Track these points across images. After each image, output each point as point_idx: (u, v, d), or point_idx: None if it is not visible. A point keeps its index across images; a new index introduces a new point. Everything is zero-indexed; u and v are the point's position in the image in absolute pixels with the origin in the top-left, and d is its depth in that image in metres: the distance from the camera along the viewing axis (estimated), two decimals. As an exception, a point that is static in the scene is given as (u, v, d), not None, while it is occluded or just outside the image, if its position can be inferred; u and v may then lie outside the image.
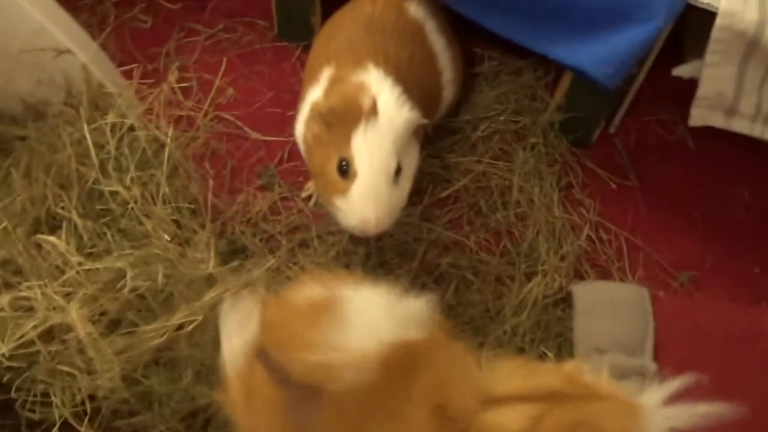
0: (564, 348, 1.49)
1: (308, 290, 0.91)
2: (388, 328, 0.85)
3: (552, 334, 1.50)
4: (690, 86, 1.55)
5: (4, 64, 1.50)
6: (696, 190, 1.84)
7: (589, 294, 1.49)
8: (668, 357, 1.45)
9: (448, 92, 1.65)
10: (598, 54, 1.50)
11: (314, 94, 1.39)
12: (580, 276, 1.63)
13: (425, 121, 1.38)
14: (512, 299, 1.51)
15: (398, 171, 1.31)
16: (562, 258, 1.61)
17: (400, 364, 0.83)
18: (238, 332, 0.93)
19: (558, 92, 1.79)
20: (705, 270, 1.71)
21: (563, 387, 0.89)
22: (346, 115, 1.27)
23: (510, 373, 0.91)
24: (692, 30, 1.85)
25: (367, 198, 1.26)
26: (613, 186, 1.82)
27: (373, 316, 0.85)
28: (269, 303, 0.94)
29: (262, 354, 0.88)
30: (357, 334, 0.82)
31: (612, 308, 1.46)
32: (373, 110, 1.27)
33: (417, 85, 1.43)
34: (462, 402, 0.84)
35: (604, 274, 1.65)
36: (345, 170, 1.27)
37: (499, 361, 0.94)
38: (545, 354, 1.47)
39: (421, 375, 0.84)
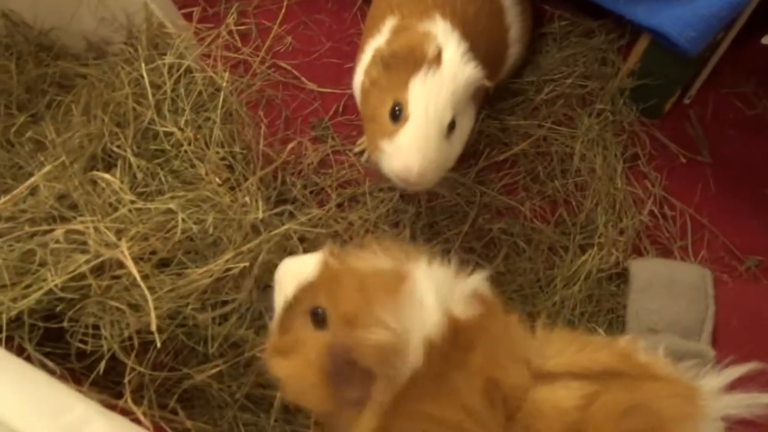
0: (615, 325, 1.44)
1: (375, 260, 0.89)
2: (452, 308, 0.83)
3: (603, 309, 1.45)
4: (779, 57, 1.43)
5: (69, 1, 1.51)
6: (772, 171, 1.72)
7: (646, 271, 1.42)
8: (726, 344, 1.37)
9: (514, 50, 1.57)
10: (682, 16, 1.39)
11: (376, 43, 1.34)
12: (638, 252, 1.56)
13: (488, 83, 1.32)
14: (564, 270, 1.46)
15: (452, 127, 1.25)
16: (621, 232, 1.54)
17: (457, 342, 0.81)
18: (292, 288, 0.94)
19: (632, 57, 1.68)
20: (775, 256, 1.61)
21: (618, 364, 0.85)
22: (409, 59, 1.22)
23: (563, 347, 0.87)
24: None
25: (414, 143, 1.21)
26: (683, 160, 1.71)
27: (439, 298, 0.82)
28: (331, 264, 0.92)
29: (319, 318, 0.88)
30: (424, 318, 0.80)
31: (670, 288, 1.39)
32: (437, 59, 1.22)
33: (483, 41, 1.37)
34: (514, 378, 0.82)
35: (665, 252, 1.57)
36: (397, 114, 1.22)
37: (552, 333, 0.91)
38: (595, 329, 1.42)
39: (477, 351, 0.82)
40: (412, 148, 1.21)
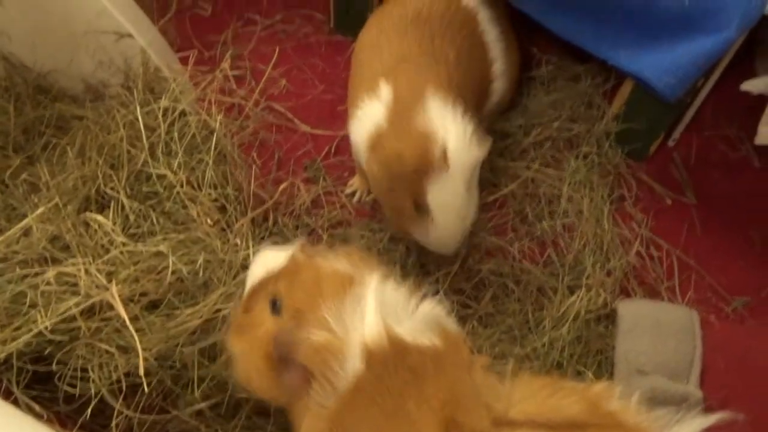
0: (604, 366, 1.44)
1: (336, 262, 0.94)
2: (403, 325, 0.85)
3: (592, 350, 1.45)
4: (759, 102, 1.46)
5: (68, 45, 1.55)
6: (757, 212, 1.74)
7: (634, 312, 1.43)
8: (714, 385, 1.38)
9: (499, 85, 1.61)
10: (661, 62, 1.44)
11: (374, 112, 1.36)
12: (626, 293, 1.57)
13: (489, 141, 1.37)
14: (553, 311, 1.47)
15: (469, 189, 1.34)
16: (609, 273, 1.55)
17: (413, 366, 0.82)
18: (261, 274, 1.00)
19: (616, 101, 1.73)
20: (761, 297, 1.62)
21: (584, 414, 0.85)
22: (417, 164, 1.27)
23: (530, 394, 0.87)
24: (765, 44, 1.76)
25: (446, 235, 1.33)
26: (668, 202, 1.74)
27: (389, 310, 0.85)
28: (297, 258, 0.98)
29: (276, 305, 0.93)
30: (363, 324, 0.83)
31: (658, 329, 1.40)
32: (444, 160, 1.26)
33: (467, 80, 1.42)
34: (475, 422, 0.82)
35: (652, 293, 1.59)
36: (422, 210, 1.31)
37: (522, 378, 0.91)
38: (583, 370, 1.42)
39: (434, 382, 0.82)
40: (446, 240, 1.34)
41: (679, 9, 1.37)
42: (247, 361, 0.95)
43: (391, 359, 0.81)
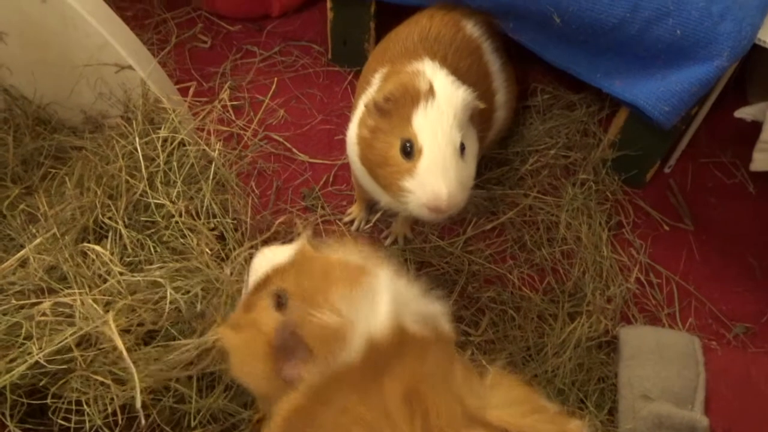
0: (606, 394, 1.42)
1: (346, 253, 0.93)
2: (404, 319, 0.85)
3: (593, 378, 1.44)
4: (753, 129, 1.48)
5: (69, 76, 1.56)
6: (755, 237, 1.75)
7: (636, 338, 1.42)
8: (719, 412, 1.36)
9: (501, 114, 1.63)
10: (655, 91, 1.45)
11: (368, 96, 1.38)
12: (627, 320, 1.56)
13: (481, 104, 1.34)
14: (554, 338, 1.46)
15: (462, 148, 1.27)
16: (609, 300, 1.55)
17: (398, 352, 0.83)
18: (264, 271, 0.98)
19: (612, 129, 1.74)
20: (761, 323, 1.61)
21: None
22: (404, 99, 1.25)
23: (508, 402, 0.86)
24: (757, 71, 1.79)
25: (436, 170, 1.22)
26: (666, 228, 1.75)
27: (393, 304, 0.84)
28: (305, 251, 0.96)
29: (281, 300, 0.91)
30: (373, 315, 0.83)
31: (661, 355, 1.38)
32: (431, 91, 1.25)
33: None
34: (442, 404, 0.81)
35: (653, 320, 1.58)
36: (409, 151, 1.24)
37: (502, 383, 0.90)
38: (585, 399, 1.40)
39: (412, 363, 0.83)
40: (435, 175, 1.22)
41: (671, 39, 1.39)
42: (244, 353, 0.93)
43: (391, 350, 0.82)
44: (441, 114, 1.25)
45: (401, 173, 1.24)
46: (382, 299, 0.84)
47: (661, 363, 1.39)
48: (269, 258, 1.01)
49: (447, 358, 0.89)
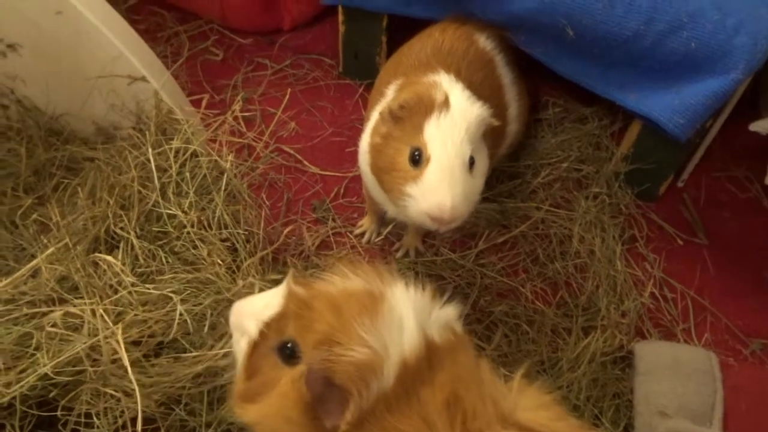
0: (621, 410, 1.40)
1: (346, 282, 0.88)
2: (429, 330, 0.83)
3: (609, 393, 1.41)
4: (767, 143, 1.47)
5: (82, 88, 1.57)
6: (769, 252, 1.73)
7: (652, 353, 1.40)
8: (736, 429, 1.33)
9: (513, 128, 1.62)
10: (670, 104, 1.45)
11: (381, 106, 1.37)
12: (641, 335, 1.54)
13: (495, 122, 1.33)
14: (568, 353, 1.44)
15: (472, 162, 1.26)
16: (623, 314, 1.53)
17: (430, 364, 0.82)
18: (255, 328, 0.91)
19: (625, 142, 1.73)
20: (779, 339, 1.59)
21: None
22: (418, 108, 1.25)
23: (539, 407, 0.85)
24: (771, 85, 1.78)
25: (442, 179, 1.21)
26: (680, 242, 1.73)
27: (418, 319, 0.83)
28: (298, 293, 0.90)
29: (288, 353, 0.86)
30: (403, 337, 0.81)
31: (677, 370, 1.36)
32: (446, 103, 1.25)
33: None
34: (478, 405, 0.80)
35: (668, 335, 1.56)
36: (417, 159, 1.23)
37: (530, 389, 0.88)
38: (600, 415, 1.38)
39: (447, 371, 0.82)
40: (441, 185, 1.21)
41: (685, 51, 1.39)
42: (272, 420, 0.86)
43: (423, 364, 0.81)
44: (453, 126, 1.24)
45: (407, 179, 1.24)
46: (408, 319, 0.82)
47: (678, 379, 1.36)
48: (252, 312, 0.94)
49: (472, 358, 0.87)
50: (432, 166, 1.22)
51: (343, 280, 0.88)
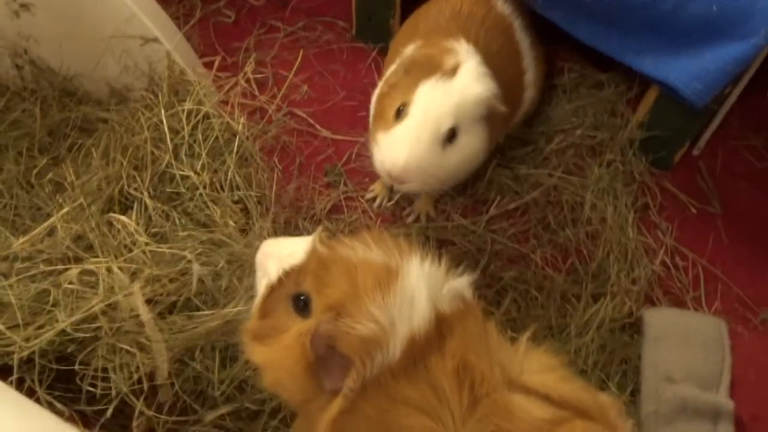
0: (628, 375, 1.41)
1: (366, 251, 0.89)
2: (440, 304, 0.85)
3: (616, 359, 1.42)
4: (788, 111, 1.45)
5: (95, 49, 1.57)
6: (785, 222, 1.71)
7: (661, 320, 1.41)
8: (745, 397, 1.35)
9: (529, 94, 1.60)
10: (689, 69, 1.42)
11: (405, 50, 1.39)
12: (651, 302, 1.54)
13: (503, 108, 1.32)
14: (577, 319, 1.45)
15: (451, 136, 1.26)
16: (633, 281, 1.53)
17: (439, 334, 0.84)
18: (276, 272, 0.94)
19: (641, 109, 1.71)
20: (790, 308, 1.58)
21: (595, 412, 0.84)
22: (425, 66, 1.26)
23: (545, 369, 0.87)
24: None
25: (406, 137, 1.22)
26: (693, 211, 1.72)
27: (430, 296, 0.84)
28: (320, 251, 0.92)
29: (301, 305, 0.88)
30: (412, 315, 0.82)
31: (686, 338, 1.37)
32: (452, 71, 1.25)
33: (501, 78, 1.39)
34: (486, 369, 0.82)
35: (678, 303, 1.56)
36: (400, 112, 1.25)
37: (536, 351, 0.90)
38: (608, 379, 1.39)
39: (456, 338, 0.84)
40: (402, 142, 1.22)
41: (707, 15, 1.36)
42: (277, 368, 0.89)
43: (431, 337, 0.82)
44: (445, 95, 1.25)
45: (384, 128, 1.26)
46: (420, 296, 0.83)
47: (686, 346, 1.37)
48: (276, 253, 0.96)
49: (481, 324, 0.89)
50: (405, 122, 1.24)
51: (365, 250, 0.89)
